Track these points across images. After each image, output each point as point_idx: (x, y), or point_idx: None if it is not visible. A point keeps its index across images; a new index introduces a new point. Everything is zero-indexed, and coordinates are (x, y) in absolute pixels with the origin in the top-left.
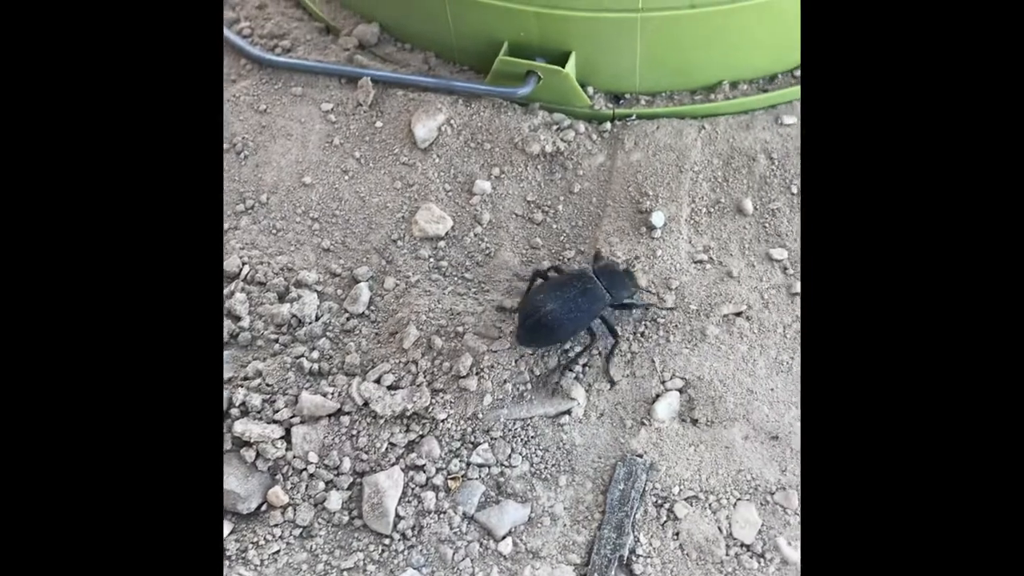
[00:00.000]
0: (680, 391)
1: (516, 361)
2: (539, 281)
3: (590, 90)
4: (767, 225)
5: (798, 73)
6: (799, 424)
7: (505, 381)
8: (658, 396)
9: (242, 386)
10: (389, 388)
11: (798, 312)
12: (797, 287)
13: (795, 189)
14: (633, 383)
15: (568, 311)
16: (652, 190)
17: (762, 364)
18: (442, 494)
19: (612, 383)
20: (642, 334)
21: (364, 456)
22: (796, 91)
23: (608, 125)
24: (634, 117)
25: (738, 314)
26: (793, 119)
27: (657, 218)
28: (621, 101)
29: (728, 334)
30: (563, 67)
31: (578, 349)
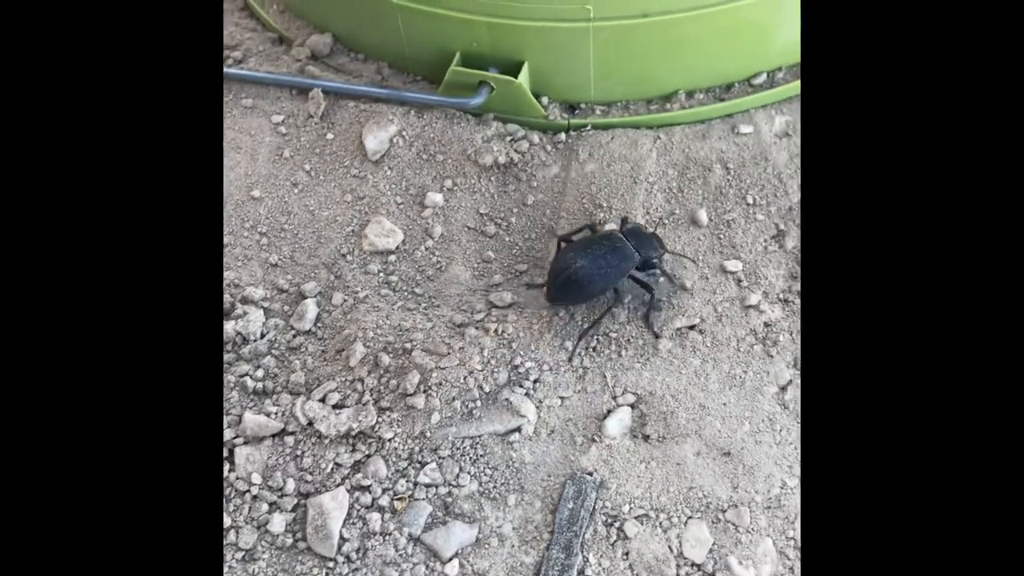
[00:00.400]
0: (632, 407)
1: (465, 378)
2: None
3: (544, 100)
4: (722, 236)
5: (755, 81)
6: (752, 440)
7: (454, 399)
8: (609, 412)
9: None
10: (334, 407)
11: (752, 325)
12: (751, 299)
13: (751, 199)
14: (584, 399)
15: (598, 267)
16: (606, 201)
17: (715, 379)
18: (388, 515)
19: (656, 336)
20: (594, 349)
21: (309, 477)
22: (753, 100)
23: (563, 135)
24: (589, 127)
25: (691, 328)
26: (749, 128)
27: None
28: (576, 111)
29: (681, 348)
30: (516, 77)
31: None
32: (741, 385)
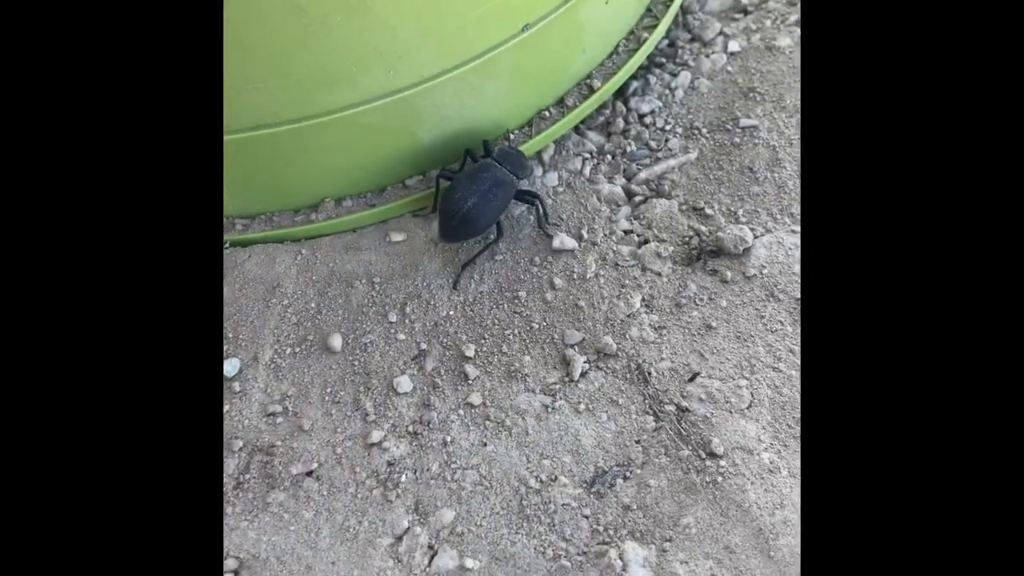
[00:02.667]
0: (234, 573)
1: None
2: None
3: None
4: (356, 363)
5: (408, 182)
6: None
7: None
8: None
9: None
10: None
11: (373, 466)
12: (374, 436)
13: (393, 317)
14: None
15: (487, 202)
16: (234, 331)
17: (326, 533)
18: None
19: (549, 236)
20: None
21: None
22: (406, 203)
23: None
24: (228, 244)
25: (308, 474)
26: (401, 236)
27: (231, 366)
28: None
29: (294, 499)
30: None
31: (489, 241)
32: (354, 538)
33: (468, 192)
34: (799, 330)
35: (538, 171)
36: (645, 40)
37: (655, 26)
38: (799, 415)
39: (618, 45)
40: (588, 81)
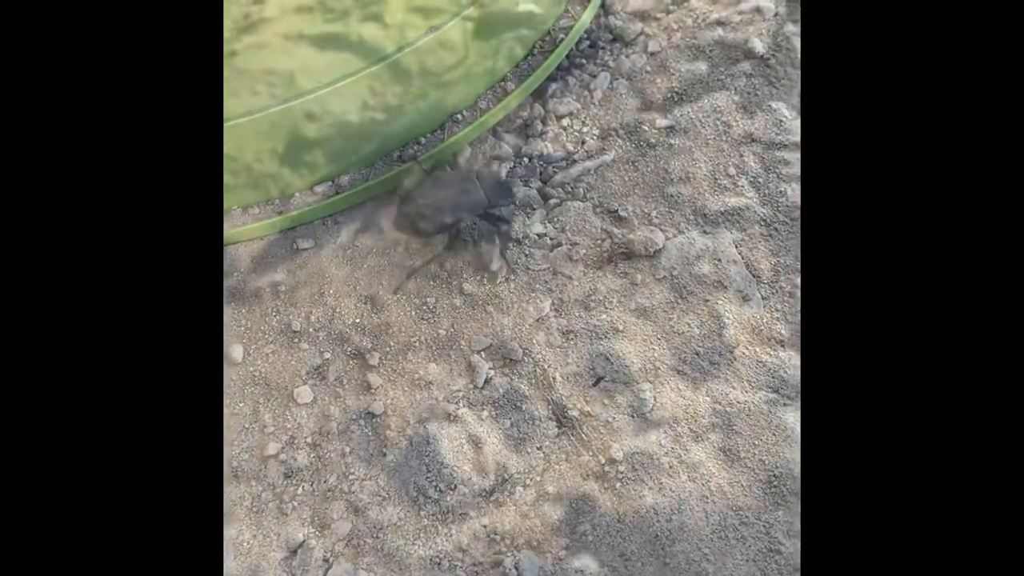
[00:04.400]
0: None
1: None
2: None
3: None
4: (256, 374)
5: (317, 189)
6: None
7: None
8: None
9: None
10: None
11: (270, 479)
12: (271, 448)
13: (297, 327)
14: None
15: (437, 208)
16: None
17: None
18: None
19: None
20: None
21: None
22: (314, 210)
23: None
24: None
25: None
26: (309, 243)
27: None
28: None
29: None
30: None
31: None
32: (247, 553)
33: (429, 191)
34: (706, 332)
35: None
36: (561, 41)
37: (572, 27)
38: (701, 420)
39: (534, 47)
40: (502, 83)
